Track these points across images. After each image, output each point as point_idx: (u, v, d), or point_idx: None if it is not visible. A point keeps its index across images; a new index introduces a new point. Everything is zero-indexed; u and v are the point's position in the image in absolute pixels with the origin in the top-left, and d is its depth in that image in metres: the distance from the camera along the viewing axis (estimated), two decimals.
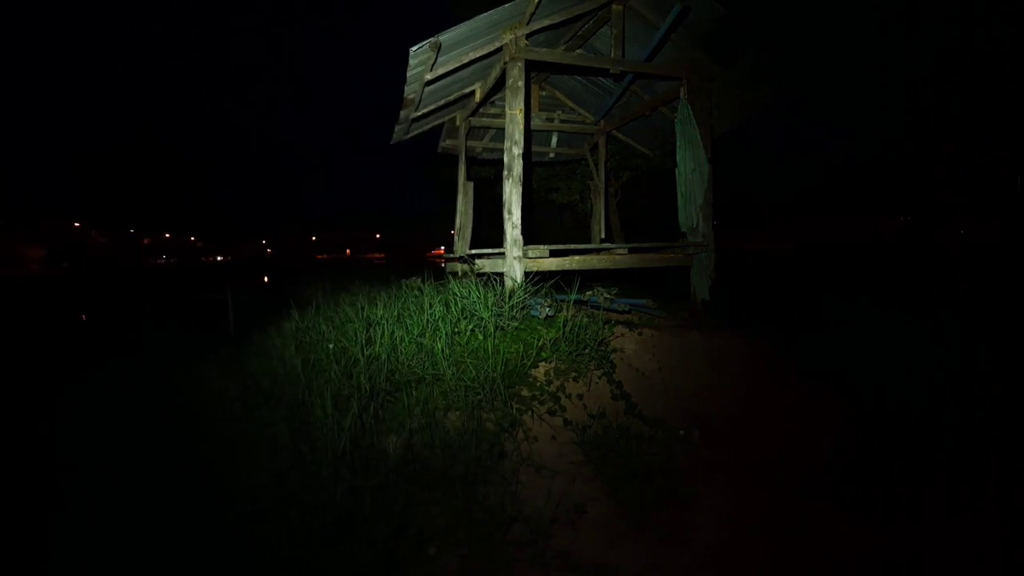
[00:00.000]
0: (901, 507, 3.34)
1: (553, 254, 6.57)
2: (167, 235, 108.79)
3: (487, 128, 10.44)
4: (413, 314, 5.29)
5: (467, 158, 9.81)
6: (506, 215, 6.38)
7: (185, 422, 3.96)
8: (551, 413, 4.22)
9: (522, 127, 6.20)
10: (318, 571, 2.40)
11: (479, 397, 4.31)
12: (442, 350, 4.51)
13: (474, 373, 4.49)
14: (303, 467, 3.12)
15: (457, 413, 4.39)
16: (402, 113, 7.52)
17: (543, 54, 6.57)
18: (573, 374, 4.65)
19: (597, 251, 7.20)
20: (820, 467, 3.79)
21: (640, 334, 5.28)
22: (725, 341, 5.35)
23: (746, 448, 4.03)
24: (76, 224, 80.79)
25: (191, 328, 10.71)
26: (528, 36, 6.34)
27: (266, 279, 35.48)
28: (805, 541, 3.13)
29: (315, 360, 4.57)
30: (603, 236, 10.59)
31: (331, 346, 4.72)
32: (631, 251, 7.13)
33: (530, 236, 6.76)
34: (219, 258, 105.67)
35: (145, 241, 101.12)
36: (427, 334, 4.99)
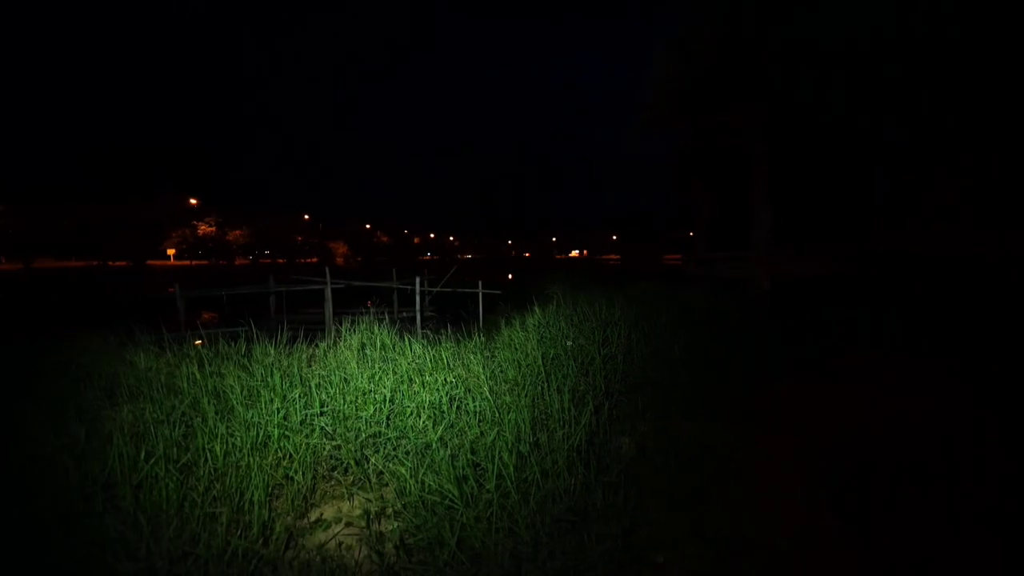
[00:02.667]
0: None
1: (806, 255, 5.90)
2: (431, 235, 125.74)
3: (729, 126, 9.83)
4: (649, 316, 5.25)
5: (710, 158, 9.37)
6: (754, 216, 5.93)
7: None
8: (794, 434, 3.81)
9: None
10: (554, 555, 2.55)
11: (716, 408, 4.09)
12: (680, 356, 4.38)
13: (714, 382, 4.28)
14: (541, 455, 3.33)
15: (691, 423, 4.24)
16: (641, 116, 7.49)
17: None
18: (820, 393, 4.13)
19: (866, 255, 6.25)
20: None
21: (903, 357, 4.44)
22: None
23: None
24: (367, 226, 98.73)
25: (452, 316, 12.20)
26: None
27: (510, 276, 38.56)
28: None
29: (554, 355, 4.84)
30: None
31: (569, 343, 4.94)
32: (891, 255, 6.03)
33: (786, 235, 6.18)
34: (468, 256, 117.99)
35: (415, 240, 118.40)
36: (663, 338, 4.90)
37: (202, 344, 6.05)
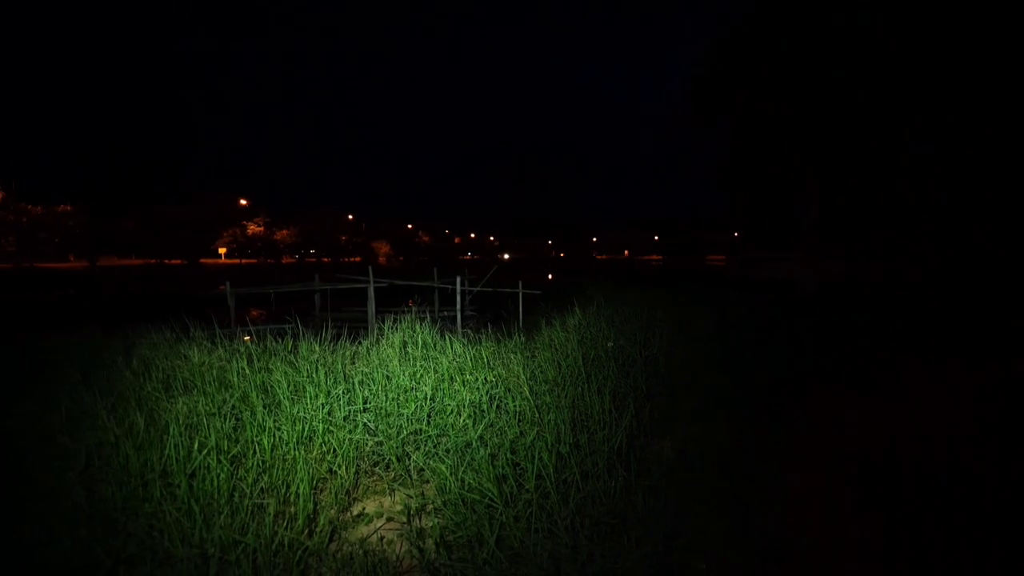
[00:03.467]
0: None
1: (854, 257, 5.70)
2: (472, 235, 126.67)
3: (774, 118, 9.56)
4: (692, 318, 5.15)
5: (754, 158, 9.15)
6: (801, 218, 5.76)
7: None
8: (835, 439, 3.68)
9: None
10: (593, 558, 2.53)
11: (758, 412, 3.99)
12: (722, 358, 4.29)
13: (756, 386, 4.17)
14: (581, 456, 3.31)
15: (733, 426, 4.14)
16: (683, 110, 7.36)
17: None
18: (861, 399, 3.98)
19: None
20: None
21: (945, 362, 4.24)
22: None
23: None
24: (409, 226, 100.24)
25: (492, 315, 12.26)
26: None
27: (550, 276, 38.50)
28: None
29: (595, 356, 4.80)
30: None
31: (610, 344, 4.89)
32: None
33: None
34: (505, 256, 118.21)
35: (456, 240, 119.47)
36: (705, 341, 4.81)
37: (251, 340, 6.26)
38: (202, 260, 64.92)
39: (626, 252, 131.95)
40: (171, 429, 3.33)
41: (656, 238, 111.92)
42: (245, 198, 72.79)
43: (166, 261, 59.71)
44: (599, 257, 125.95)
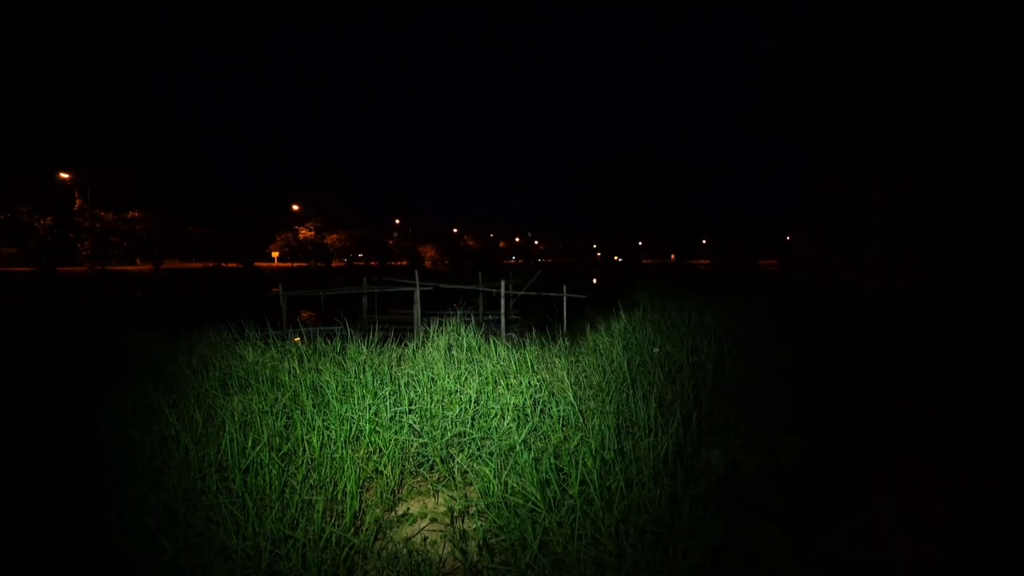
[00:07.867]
0: None
1: (928, 264, 5.45)
2: (516, 239, 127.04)
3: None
4: (743, 325, 5.00)
5: (832, 154, 8.87)
6: (870, 220, 5.54)
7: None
8: (928, 460, 3.49)
9: None
10: (638, 567, 2.48)
11: (816, 425, 3.82)
12: (776, 368, 4.15)
13: (815, 397, 4.00)
14: (625, 463, 3.25)
15: (790, 438, 3.99)
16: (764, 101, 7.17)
17: None
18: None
19: None
20: None
21: None
22: None
23: None
24: (455, 230, 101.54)
25: (537, 319, 12.25)
26: None
27: (595, 280, 38.22)
28: None
29: (640, 362, 4.72)
30: None
31: (656, 350, 4.80)
32: None
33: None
34: (551, 260, 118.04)
35: (501, 244, 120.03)
36: (757, 348, 4.65)
37: (301, 341, 6.45)
38: (256, 264, 67.36)
39: (672, 256, 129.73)
40: (227, 426, 3.47)
41: (704, 241, 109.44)
42: (297, 203, 75.48)
43: (223, 264, 62.25)
44: (645, 261, 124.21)
